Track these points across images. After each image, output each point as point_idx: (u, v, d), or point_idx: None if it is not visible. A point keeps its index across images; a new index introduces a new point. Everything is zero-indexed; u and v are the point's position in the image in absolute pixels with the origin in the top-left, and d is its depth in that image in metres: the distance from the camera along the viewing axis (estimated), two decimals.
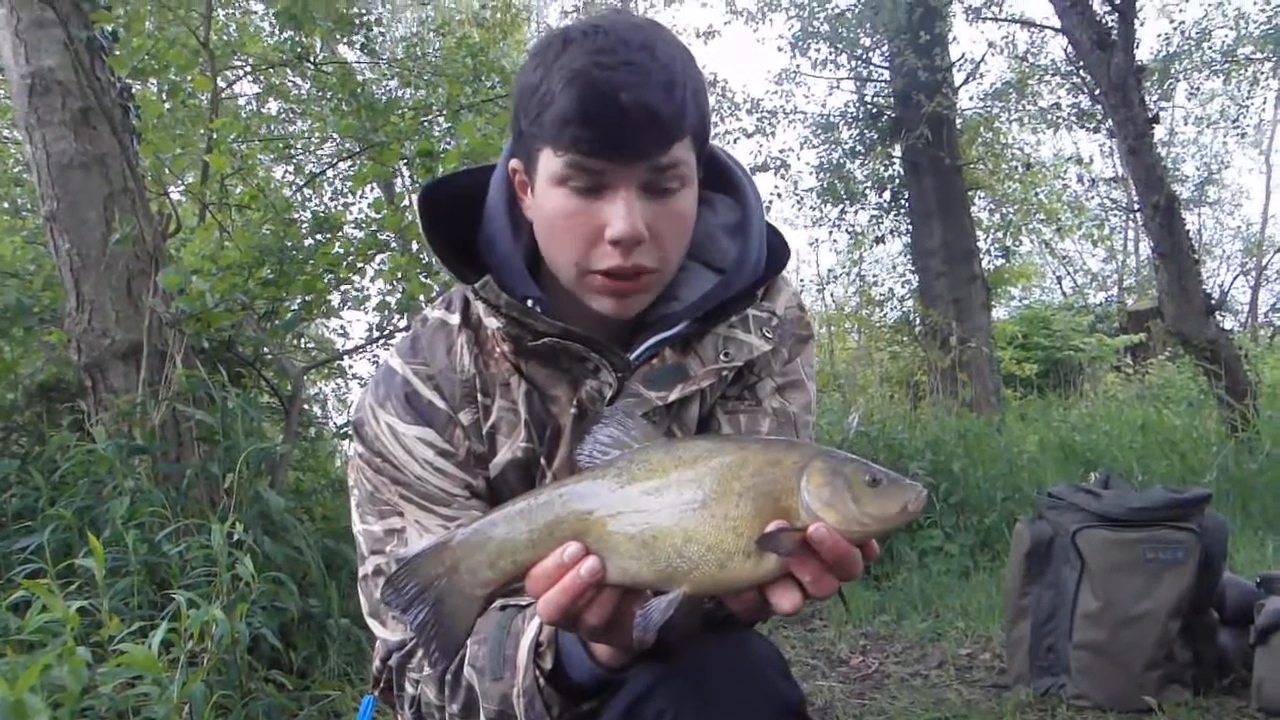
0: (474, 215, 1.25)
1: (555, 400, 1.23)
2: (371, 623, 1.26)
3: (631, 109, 1.04)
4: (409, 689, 1.21)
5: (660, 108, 1.06)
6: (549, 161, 1.10)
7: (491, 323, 1.20)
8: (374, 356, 6.54)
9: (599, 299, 1.15)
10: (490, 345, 1.25)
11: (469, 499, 1.22)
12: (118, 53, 4.11)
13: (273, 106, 9.41)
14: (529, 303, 1.18)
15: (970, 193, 11.81)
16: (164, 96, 6.11)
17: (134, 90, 4.74)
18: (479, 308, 1.22)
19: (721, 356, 1.25)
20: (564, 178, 1.09)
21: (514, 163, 1.20)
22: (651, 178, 1.10)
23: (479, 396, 1.23)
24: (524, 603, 1.12)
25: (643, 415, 1.15)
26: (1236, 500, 4.85)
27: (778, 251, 1.28)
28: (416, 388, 1.23)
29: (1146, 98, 6.28)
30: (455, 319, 1.27)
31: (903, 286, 13.11)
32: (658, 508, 0.94)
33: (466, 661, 1.13)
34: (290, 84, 8.40)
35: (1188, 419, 6.20)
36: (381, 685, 1.28)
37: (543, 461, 1.23)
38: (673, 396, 1.21)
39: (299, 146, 8.48)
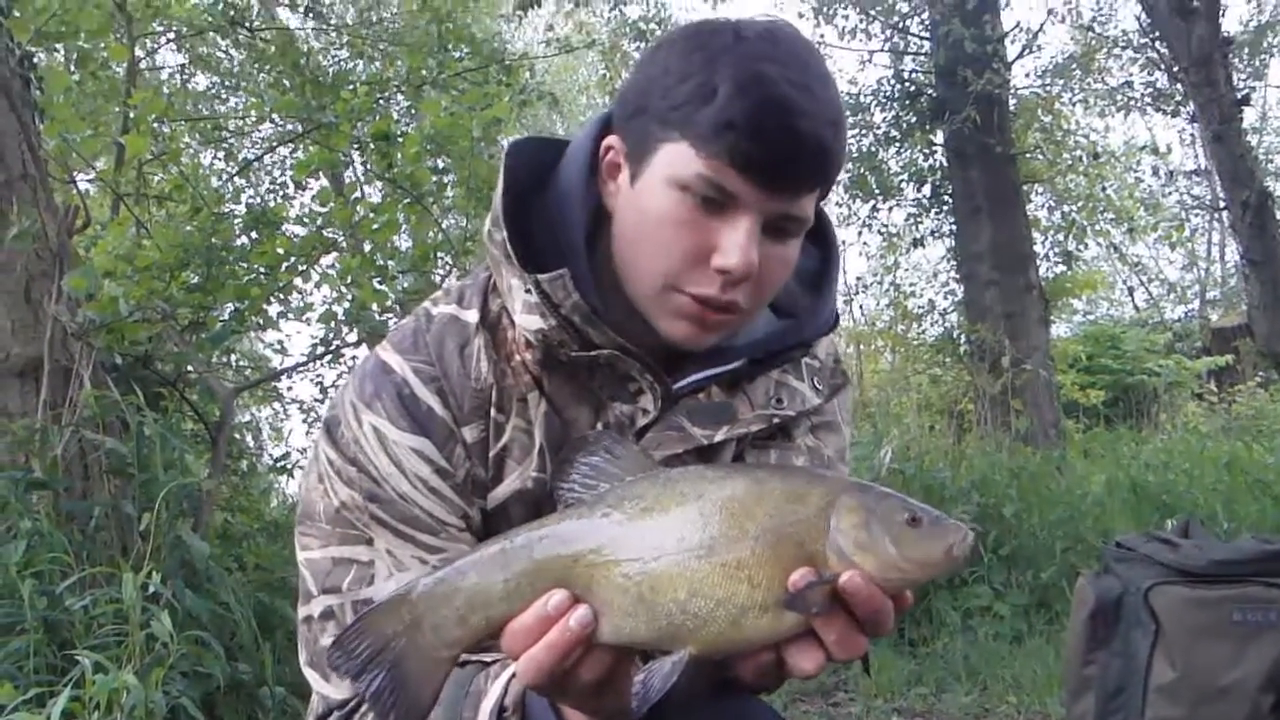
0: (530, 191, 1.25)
1: (573, 423, 1.23)
2: (310, 674, 1.23)
3: (807, 139, 1.08)
4: None
5: (830, 146, 1.10)
6: (679, 158, 1.10)
7: (531, 323, 1.18)
8: (316, 377, 6.55)
9: (675, 322, 1.17)
10: (509, 351, 1.23)
11: (461, 530, 1.20)
12: (17, 14, 4.13)
13: (201, 81, 9.43)
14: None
15: (1026, 187, 11.82)
16: (72, 67, 6.12)
17: (36, 59, 4.76)
18: (515, 303, 1.20)
19: (774, 403, 1.28)
20: (692, 184, 1.10)
21: (611, 140, 1.19)
22: (780, 216, 1.13)
23: (491, 411, 1.21)
24: (488, 659, 1.12)
25: (681, 453, 1.19)
26: None
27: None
28: (415, 390, 1.20)
29: (1234, 75, 6.32)
30: (472, 316, 1.24)
31: (945, 298, 13.12)
32: (655, 554, 0.93)
33: None
34: (221, 55, 8.41)
35: None
36: None
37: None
38: (719, 437, 1.24)
39: (231, 128, 8.49)
